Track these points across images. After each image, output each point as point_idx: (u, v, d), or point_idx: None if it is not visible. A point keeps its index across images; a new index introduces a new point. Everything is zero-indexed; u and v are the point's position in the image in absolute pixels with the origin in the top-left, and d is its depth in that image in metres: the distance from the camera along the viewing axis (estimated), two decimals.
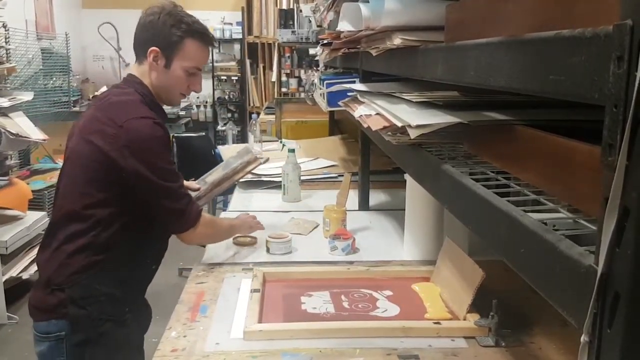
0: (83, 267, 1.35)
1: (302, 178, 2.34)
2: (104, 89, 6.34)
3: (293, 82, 6.32)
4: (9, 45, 4.10)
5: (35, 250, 3.38)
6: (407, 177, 1.62)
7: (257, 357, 1.10)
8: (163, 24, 1.44)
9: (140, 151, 1.34)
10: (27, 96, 3.53)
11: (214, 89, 6.75)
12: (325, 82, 2.25)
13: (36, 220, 3.46)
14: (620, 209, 0.40)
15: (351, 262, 1.60)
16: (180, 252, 2.13)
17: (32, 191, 3.79)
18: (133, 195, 1.37)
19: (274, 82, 6.40)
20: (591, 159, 0.53)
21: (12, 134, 3.12)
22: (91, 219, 1.36)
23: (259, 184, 2.46)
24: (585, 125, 0.65)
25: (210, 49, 1.56)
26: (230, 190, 2.36)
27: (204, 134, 5.11)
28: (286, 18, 5.87)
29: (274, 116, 4.02)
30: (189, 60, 1.47)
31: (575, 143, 0.58)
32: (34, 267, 3.35)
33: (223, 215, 2.09)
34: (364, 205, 2.17)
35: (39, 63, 4.90)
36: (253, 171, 2.63)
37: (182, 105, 6.43)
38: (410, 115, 0.94)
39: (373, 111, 1.21)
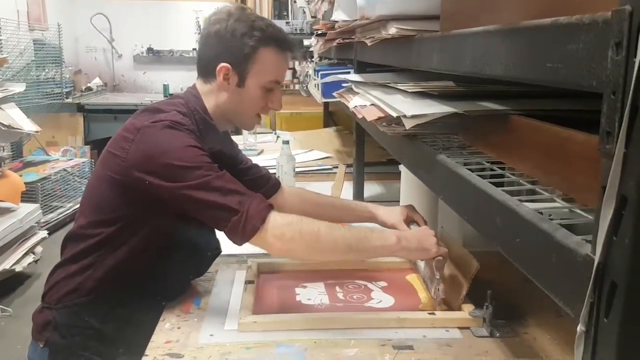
0: (75, 290, 1.22)
1: (297, 170, 2.33)
2: (96, 80, 6.32)
3: (287, 74, 6.30)
4: (1, 36, 4.07)
5: (29, 243, 3.39)
6: (401, 168, 1.61)
7: (252, 349, 1.10)
8: (232, 34, 1.20)
9: (152, 157, 1.12)
10: (19, 87, 3.50)
11: None
12: (320, 73, 2.25)
13: (29, 212, 3.45)
14: (618, 198, 0.40)
15: None
16: None
17: (25, 183, 3.76)
18: (152, 215, 1.19)
19: None
20: (587, 148, 0.53)
21: (4, 125, 3.09)
22: (98, 237, 1.21)
23: None
24: (581, 115, 0.65)
25: (289, 56, 1.29)
26: None
27: None
28: (280, 9, 5.84)
29: None
30: (265, 74, 1.23)
31: (571, 132, 0.58)
32: (27, 260, 3.34)
33: None
34: (358, 196, 2.16)
35: (31, 54, 4.87)
36: None
37: None
38: (405, 106, 0.94)
39: (368, 102, 1.20)
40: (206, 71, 1.26)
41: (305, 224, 1.13)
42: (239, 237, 1.10)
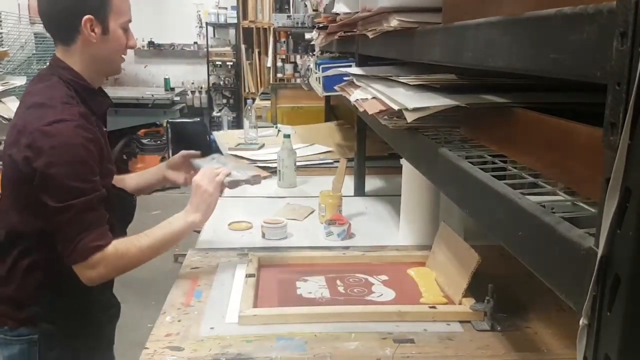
0: (44, 284, 1.26)
1: (298, 164, 2.33)
2: None
3: (289, 68, 6.29)
4: (2, 29, 4.06)
5: None
6: (403, 162, 1.61)
7: (252, 342, 1.10)
8: None
9: (48, 164, 1.14)
10: (20, 81, 3.50)
11: (208, 75, 6.71)
12: (321, 66, 2.23)
13: None
14: (621, 190, 0.39)
15: (347, 247, 1.60)
16: None
17: None
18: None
19: (270, 67, 6.37)
20: (591, 141, 0.52)
21: (5, 119, 3.09)
22: (36, 235, 1.23)
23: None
24: (584, 108, 0.64)
25: None
26: None
27: (198, 119, 5.08)
28: (281, 2, 5.83)
29: (269, 102, 3.99)
30: (121, 14, 1.28)
31: (574, 125, 0.57)
32: None
33: None
34: (359, 191, 2.16)
35: (32, 48, 4.86)
36: (249, 157, 2.62)
37: (177, 90, 6.39)
38: (407, 99, 0.93)
39: (369, 95, 1.20)
40: (66, 32, 1.26)
41: (114, 254, 1.22)
42: (69, 262, 1.20)
